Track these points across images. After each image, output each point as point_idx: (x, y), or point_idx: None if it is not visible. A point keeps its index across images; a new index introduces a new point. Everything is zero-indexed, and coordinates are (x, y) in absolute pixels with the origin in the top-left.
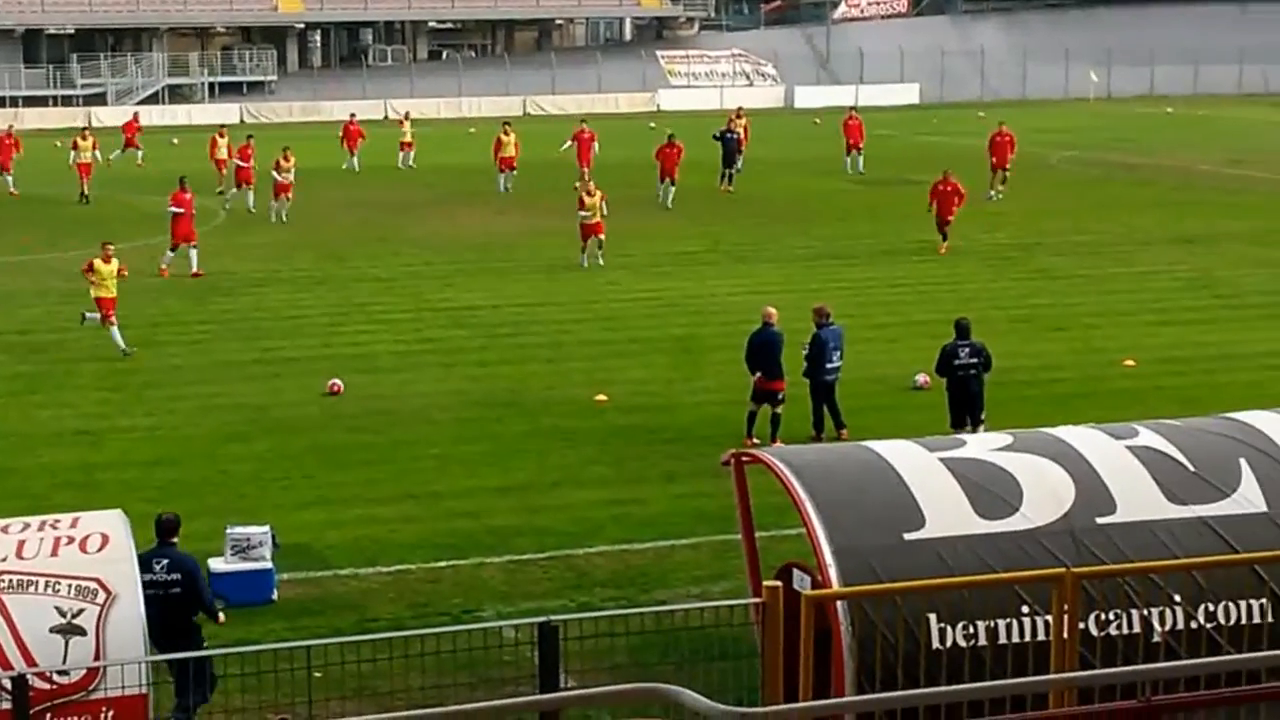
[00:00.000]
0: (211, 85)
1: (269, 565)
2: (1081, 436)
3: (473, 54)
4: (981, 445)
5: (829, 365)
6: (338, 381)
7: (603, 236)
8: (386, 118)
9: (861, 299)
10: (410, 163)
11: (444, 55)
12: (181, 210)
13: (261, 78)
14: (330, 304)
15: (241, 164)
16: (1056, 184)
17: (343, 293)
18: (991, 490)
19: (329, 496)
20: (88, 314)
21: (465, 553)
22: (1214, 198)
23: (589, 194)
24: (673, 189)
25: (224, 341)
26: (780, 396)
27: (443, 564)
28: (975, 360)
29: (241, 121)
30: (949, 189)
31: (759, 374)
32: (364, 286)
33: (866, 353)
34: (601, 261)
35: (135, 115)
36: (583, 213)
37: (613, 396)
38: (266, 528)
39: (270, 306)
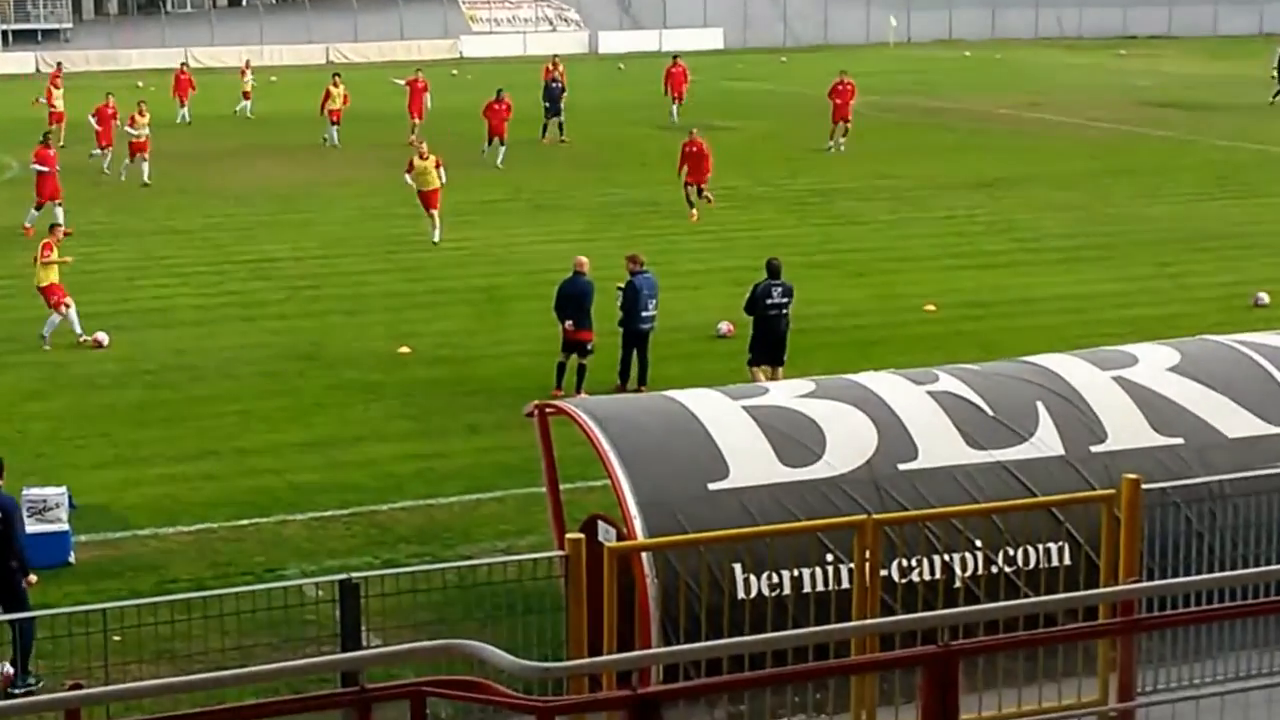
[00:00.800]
0: (5, 33)
1: (65, 527)
2: (883, 382)
3: (273, 0)
4: (785, 392)
5: (644, 314)
6: (101, 335)
7: (436, 211)
8: (182, 63)
9: (664, 247)
10: (249, 113)
11: (244, 1)
12: (46, 169)
13: (57, 25)
14: (127, 258)
15: (99, 126)
16: (857, 129)
17: (141, 246)
18: (795, 438)
19: (128, 455)
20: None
21: (268, 510)
22: (1013, 141)
23: (421, 156)
24: (503, 149)
25: (19, 298)
26: (589, 347)
27: (245, 522)
28: (786, 300)
29: (37, 71)
30: (695, 150)
31: (569, 323)
32: (163, 239)
33: (670, 301)
34: (436, 238)
35: None
36: (409, 178)
37: (415, 349)
38: (63, 489)
39: None
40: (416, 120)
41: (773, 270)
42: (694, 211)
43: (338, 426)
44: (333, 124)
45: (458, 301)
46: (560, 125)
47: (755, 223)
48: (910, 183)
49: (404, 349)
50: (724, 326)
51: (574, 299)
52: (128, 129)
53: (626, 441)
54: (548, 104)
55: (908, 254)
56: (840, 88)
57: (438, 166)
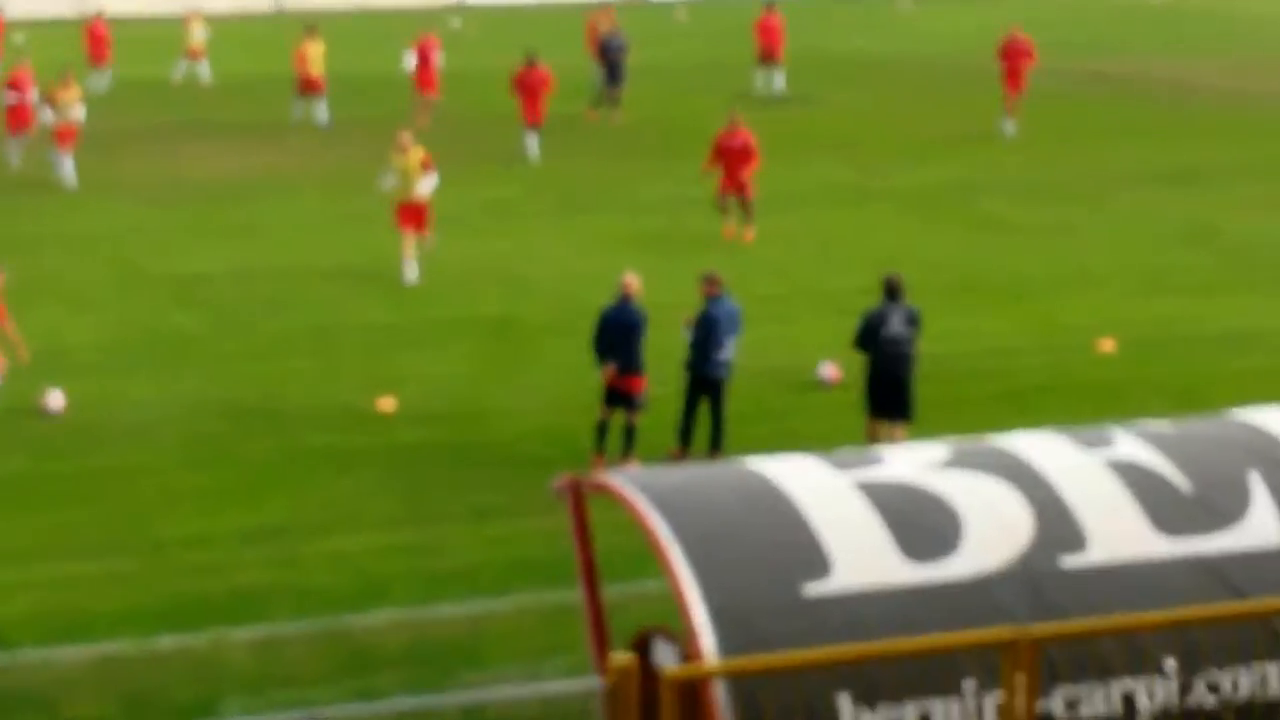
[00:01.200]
0: None
1: None
2: (1041, 448)
3: None
4: (909, 461)
5: (720, 356)
6: (56, 396)
7: (428, 234)
8: (98, 11)
9: (742, 261)
10: (202, 78)
11: None
12: None
13: None
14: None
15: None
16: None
17: (24, 261)
18: (922, 524)
19: (6, 549)
20: None
21: (199, 623)
22: (1218, 120)
23: (401, 148)
24: (537, 137)
25: None
26: (639, 399)
27: (168, 640)
28: (910, 332)
29: None
30: (737, 144)
31: (612, 366)
32: (54, 252)
33: (752, 336)
34: (412, 275)
35: None
36: (389, 179)
37: (401, 401)
38: None
39: None
40: (429, 95)
41: (892, 291)
42: (732, 224)
43: (295, 509)
44: (312, 96)
45: (459, 337)
46: (614, 98)
47: (866, 228)
48: (1078, 175)
49: (386, 402)
50: (826, 371)
51: (620, 333)
52: (47, 109)
53: (693, 528)
54: (607, 66)
55: (1076, 272)
56: (1012, 47)
57: (425, 167)
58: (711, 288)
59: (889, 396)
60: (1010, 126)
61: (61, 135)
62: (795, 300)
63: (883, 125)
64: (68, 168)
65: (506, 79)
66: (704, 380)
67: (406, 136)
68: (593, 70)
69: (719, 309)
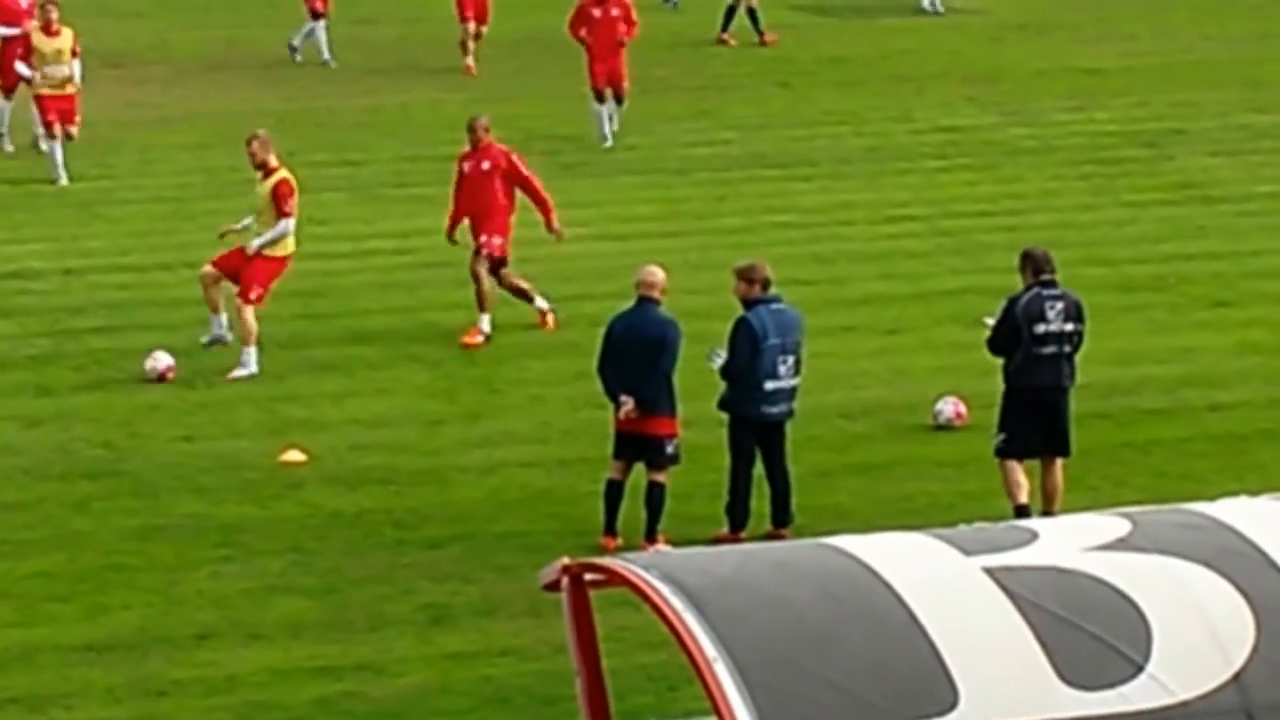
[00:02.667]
0: None
1: None
2: (1265, 521)
3: None
4: (1070, 539)
5: (770, 384)
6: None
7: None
8: None
9: (820, 248)
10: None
11: None
12: None
13: None
14: None
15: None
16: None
17: None
18: (1091, 630)
19: None
20: None
21: None
22: None
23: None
24: (619, 110)
25: None
26: (669, 448)
27: None
28: (1072, 328)
29: None
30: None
31: (628, 401)
32: None
33: (833, 357)
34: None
35: None
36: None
37: (315, 453)
38: None
39: None
40: (474, 24)
41: (1038, 265)
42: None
43: (163, 610)
44: (315, 18)
45: (399, 359)
46: (753, 11)
47: (1008, 196)
48: None
49: (293, 454)
50: (947, 407)
51: (638, 351)
52: (23, 71)
53: (751, 643)
54: None
55: None
56: None
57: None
58: (749, 285)
59: (1041, 421)
60: None
61: (49, 108)
62: (902, 302)
63: (1023, 41)
64: (56, 156)
65: None
66: (749, 424)
67: None
68: None
69: (765, 316)
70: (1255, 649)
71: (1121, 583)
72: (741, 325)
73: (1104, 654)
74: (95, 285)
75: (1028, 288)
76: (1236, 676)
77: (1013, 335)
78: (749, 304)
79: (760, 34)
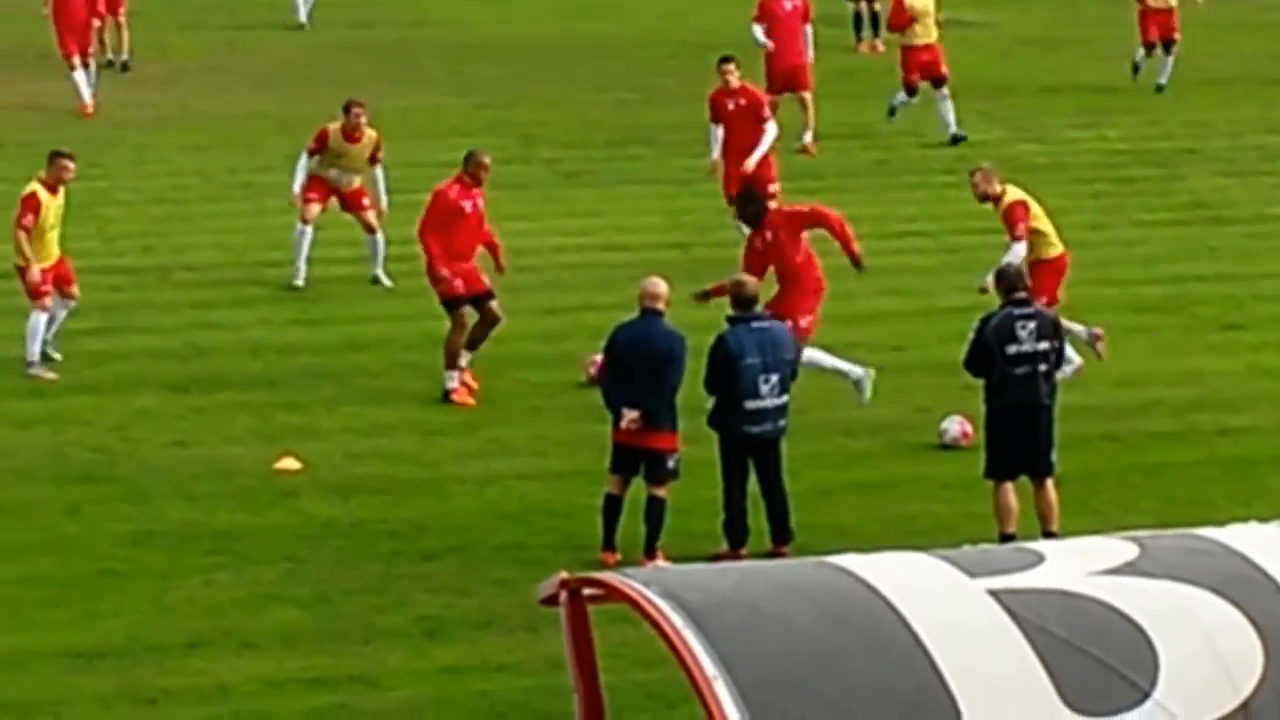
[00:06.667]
0: None
1: None
2: (1274, 548)
3: None
4: (1076, 563)
5: (750, 404)
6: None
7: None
8: None
9: (825, 262)
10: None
11: None
12: None
13: None
14: None
15: None
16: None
17: None
18: (1096, 655)
19: None
20: None
21: None
22: None
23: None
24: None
25: None
26: (671, 463)
27: None
28: (1045, 347)
29: None
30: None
31: (632, 415)
32: None
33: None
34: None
35: None
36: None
37: (309, 461)
38: None
39: None
40: None
41: (1011, 284)
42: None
43: (152, 617)
44: None
45: (396, 367)
46: (875, 17)
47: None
48: None
49: (287, 462)
50: (953, 427)
51: (640, 362)
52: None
53: (751, 661)
54: None
55: None
56: None
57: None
58: (740, 302)
59: (1019, 442)
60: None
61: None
62: (909, 320)
63: (1039, 57)
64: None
65: None
66: (736, 442)
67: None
68: None
69: (743, 336)
70: (1264, 677)
71: (1128, 608)
72: (716, 345)
73: (1109, 680)
74: (89, 287)
75: (1000, 307)
76: (1244, 705)
77: (985, 357)
78: (731, 322)
79: (859, 39)
